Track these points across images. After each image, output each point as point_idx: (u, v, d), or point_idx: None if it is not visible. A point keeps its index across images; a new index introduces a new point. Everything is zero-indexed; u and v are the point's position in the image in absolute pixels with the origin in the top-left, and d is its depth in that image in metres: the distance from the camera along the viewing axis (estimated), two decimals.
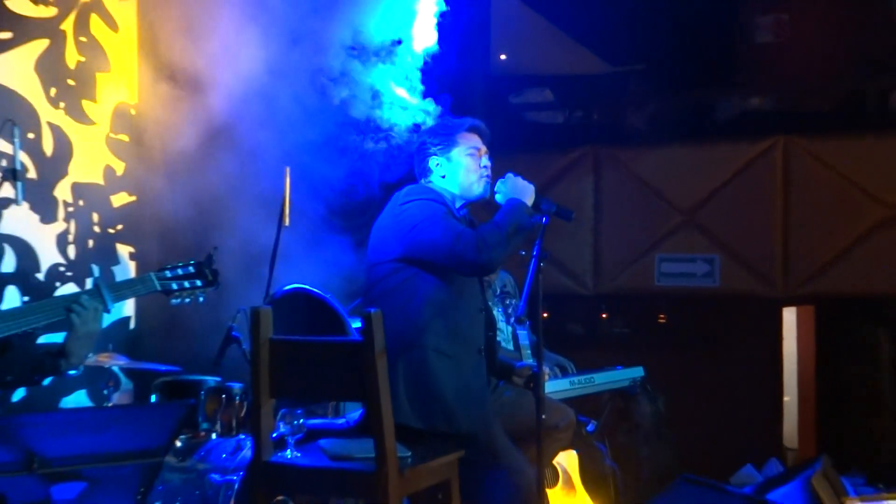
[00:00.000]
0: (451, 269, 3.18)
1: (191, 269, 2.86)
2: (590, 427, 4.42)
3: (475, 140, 3.36)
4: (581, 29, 7.30)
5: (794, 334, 6.69)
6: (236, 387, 4.10)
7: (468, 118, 3.42)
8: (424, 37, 4.12)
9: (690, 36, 7.28)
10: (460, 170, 3.32)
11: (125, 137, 5.12)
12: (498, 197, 3.29)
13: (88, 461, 1.98)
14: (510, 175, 3.30)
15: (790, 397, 6.62)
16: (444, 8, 4.22)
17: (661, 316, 6.95)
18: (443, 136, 3.35)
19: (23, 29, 4.57)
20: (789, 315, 6.67)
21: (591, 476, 4.17)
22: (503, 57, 7.56)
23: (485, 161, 3.35)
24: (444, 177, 3.33)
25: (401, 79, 4.04)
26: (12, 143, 3.72)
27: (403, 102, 3.95)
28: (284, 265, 4.36)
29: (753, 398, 6.32)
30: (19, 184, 3.74)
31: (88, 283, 4.76)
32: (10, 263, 4.49)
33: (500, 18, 7.04)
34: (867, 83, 7.04)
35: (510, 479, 3.12)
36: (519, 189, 3.25)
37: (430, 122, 3.76)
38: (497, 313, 4.27)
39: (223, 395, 4.06)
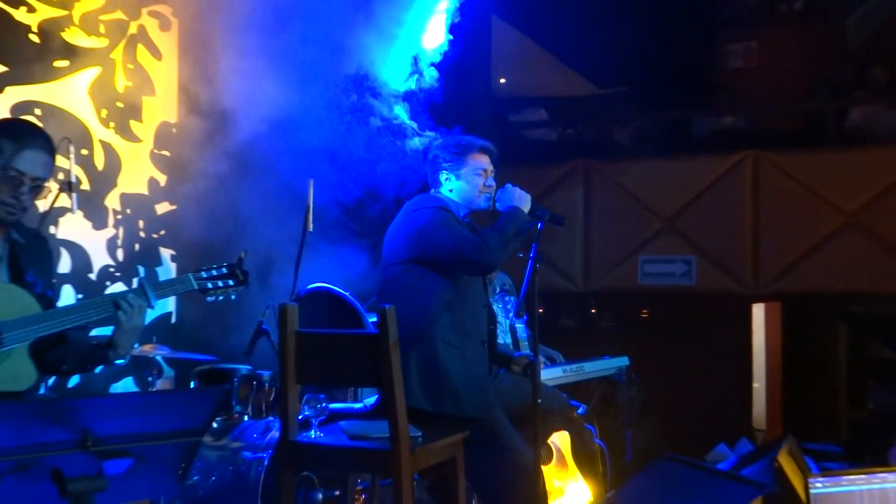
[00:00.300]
0: (456, 270, 3.18)
1: (224, 270, 2.86)
2: (580, 410, 4.41)
3: (484, 161, 3.34)
4: (573, 55, 7.30)
5: (762, 328, 6.68)
6: (266, 374, 4.09)
7: (479, 140, 3.39)
8: (431, 73, 4.15)
9: (670, 61, 7.29)
10: (466, 186, 3.31)
11: (167, 153, 5.13)
12: (498, 205, 3.29)
13: (136, 440, 1.98)
14: (509, 185, 3.30)
15: (759, 384, 6.60)
16: (446, 47, 4.25)
17: (644, 311, 6.95)
18: (455, 154, 3.32)
19: (78, 58, 4.58)
20: (758, 310, 6.66)
21: (581, 454, 4.16)
22: (503, 80, 7.56)
23: (489, 181, 3.34)
24: (451, 190, 3.33)
25: (412, 109, 4.07)
26: (68, 158, 3.73)
27: (414, 130, 3.96)
28: (308, 266, 4.37)
29: (726, 384, 6.31)
30: (74, 195, 3.75)
31: (134, 283, 4.77)
32: (66, 265, 4.50)
33: (501, 46, 7.04)
34: (826, 104, 7.04)
35: (510, 457, 3.12)
36: (517, 198, 3.25)
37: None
38: (497, 309, 4.27)
39: (254, 382, 4.05)
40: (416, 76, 4.17)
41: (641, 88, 7.20)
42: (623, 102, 7.37)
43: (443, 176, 3.34)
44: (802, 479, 3.54)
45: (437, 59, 4.23)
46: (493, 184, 3.35)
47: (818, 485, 3.41)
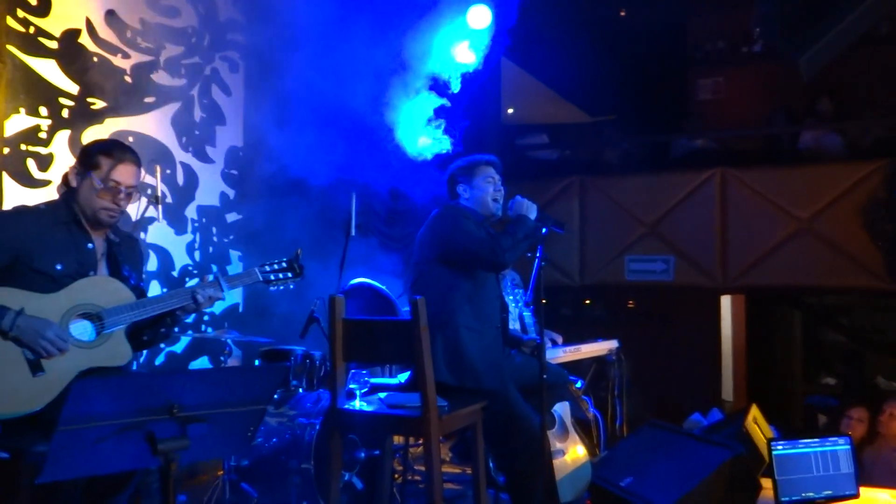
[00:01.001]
0: (474, 267, 3.16)
1: (284, 264, 2.87)
2: (578, 384, 4.38)
3: (490, 170, 3.34)
4: (569, 89, 7.26)
5: (729, 315, 6.63)
6: (317, 354, 4.09)
7: (485, 155, 3.40)
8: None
9: (650, 94, 7.24)
10: (480, 193, 3.30)
11: (235, 172, 5.16)
12: (510, 213, 3.27)
13: (213, 408, 1.98)
14: (518, 197, 3.28)
15: (727, 362, 6.54)
16: (458, 88, 4.28)
17: (630, 302, 6.90)
18: (467, 168, 3.33)
19: (163, 95, 4.61)
20: (726, 301, 6.60)
21: (579, 421, 4.13)
22: (511, 111, 7.53)
23: (497, 187, 3.34)
24: (468, 199, 3.32)
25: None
26: (156, 177, 3.76)
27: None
28: (350, 264, 4.37)
29: (700, 363, 6.26)
30: (160, 207, 3.79)
31: (209, 278, 4.79)
32: (153, 264, 4.53)
33: (509, 82, 7.02)
34: (782, 129, 6.97)
35: (520, 423, 3.10)
36: (525, 207, 3.23)
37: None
38: (508, 300, 4.25)
39: (308, 360, 4.05)
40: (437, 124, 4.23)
41: (627, 116, 7.15)
42: (612, 128, 7.32)
43: (460, 188, 3.33)
44: (765, 442, 3.49)
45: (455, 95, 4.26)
46: (502, 189, 3.34)
47: (779, 447, 3.36)
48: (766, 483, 3.35)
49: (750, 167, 6.20)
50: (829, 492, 3.35)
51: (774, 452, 3.33)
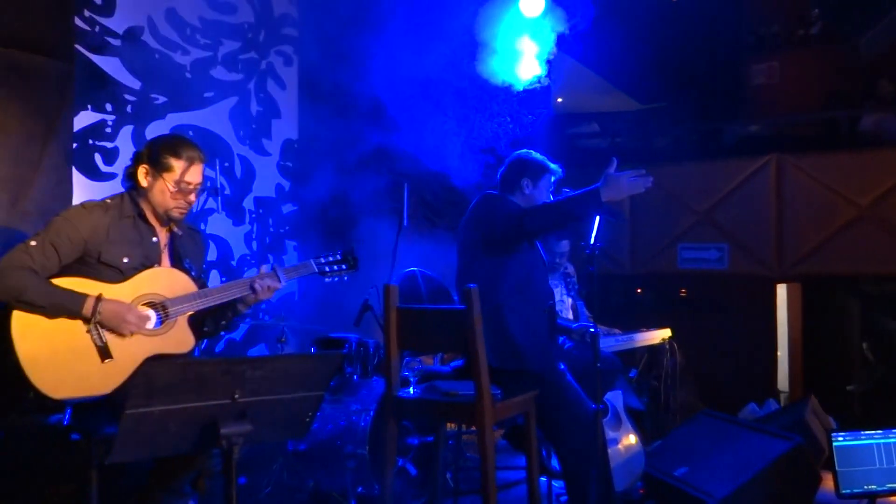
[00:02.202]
0: (506, 240, 3.02)
1: (339, 256, 2.88)
2: (631, 373, 4.30)
3: (552, 183, 3.28)
4: (618, 77, 7.12)
5: (785, 304, 6.41)
6: (371, 342, 4.11)
7: (556, 164, 3.31)
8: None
9: (702, 79, 7.04)
10: (537, 197, 3.22)
11: (290, 164, 5.21)
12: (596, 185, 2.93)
13: (273, 394, 1.99)
14: (624, 175, 2.88)
15: (782, 352, 6.33)
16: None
17: (683, 291, 6.72)
18: (539, 168, 3.25)
19: (220, 90, 4.68)
20: (781, 290, 6.39)
21: (632, 410, 4.05)
22: (560, 100, 7.43)
23: (548, 199, 3.25)
24: (526, 195, 3.24)
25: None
26: (215, 169, 3.81)
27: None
28: (403, 253, 4.36)
29: (754, 353, 6.08)
30: (219, 198, 3.84)
31: (267, 269, 4.84)
32: (213, 254, 4.61)
33: (558, 71, 6.90)
34: (839, 113, 6.69)
35: (573, 410, 3.03)
36: (611, 186, 2.90)
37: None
38: (560, 288, 4.19)
39: (362, 348, 4.06)
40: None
41: (678, 103, 6.96)
42: (662, 116, 7.15)
43: (525, 181, 3.24)
44: (825, 433, 3.37)
45: None
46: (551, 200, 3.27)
47: (840, 438, 3.24)
48: (827, 475, 3.24)
49: (806, 153, 5.97)
50: (893, 485, 3.21)
51: (835, 444, 3.21)
